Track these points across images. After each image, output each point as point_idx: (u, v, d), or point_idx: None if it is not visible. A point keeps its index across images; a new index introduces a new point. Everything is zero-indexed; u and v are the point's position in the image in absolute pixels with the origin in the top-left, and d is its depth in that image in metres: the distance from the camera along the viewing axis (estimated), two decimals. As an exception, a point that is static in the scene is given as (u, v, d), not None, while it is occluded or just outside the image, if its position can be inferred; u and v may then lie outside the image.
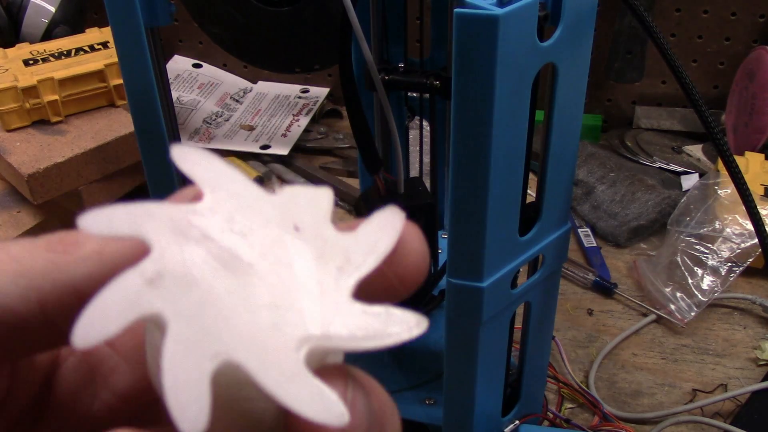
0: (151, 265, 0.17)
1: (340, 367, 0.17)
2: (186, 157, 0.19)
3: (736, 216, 0.72)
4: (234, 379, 0.16)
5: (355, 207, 0.54)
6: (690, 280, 0.69)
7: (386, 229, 0.19)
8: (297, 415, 0.15)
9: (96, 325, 0.15)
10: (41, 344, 0.18)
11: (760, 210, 0.45)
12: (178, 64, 1.07)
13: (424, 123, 0.71)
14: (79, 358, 0.20)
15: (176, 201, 0.20)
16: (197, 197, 0.19)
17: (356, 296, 0.18)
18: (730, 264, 0.69)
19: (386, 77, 0.51)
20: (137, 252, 0.17)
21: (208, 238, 0.17)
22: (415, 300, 0.60)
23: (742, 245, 0.70)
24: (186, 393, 0.15)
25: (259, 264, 0.17)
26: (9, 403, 0.19)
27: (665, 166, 0.88)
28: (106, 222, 0.17)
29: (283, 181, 0.90)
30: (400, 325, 0.17)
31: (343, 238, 0.18)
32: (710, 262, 0.70)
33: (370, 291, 0.19)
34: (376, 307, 0.17)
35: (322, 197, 0.19)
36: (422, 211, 0.53)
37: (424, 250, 0.20)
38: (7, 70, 0.79)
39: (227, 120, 0.99)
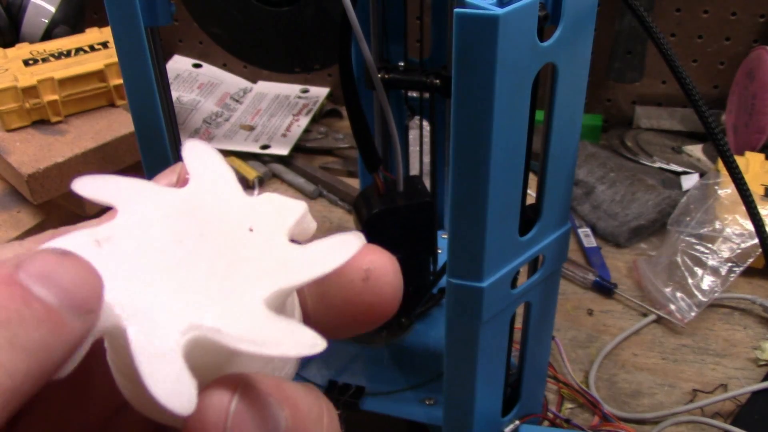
0: (107, 230, 0.18)
1: (235, 377, 0.17)
2: (192, 149, 0.21)
3: (736, 216, 0.72)
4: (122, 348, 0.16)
5: (354, 205, 0.54)
6: (690, 280, 0.69)
7: (338, 250, 0.19)
8: (147, 393, 0.15)
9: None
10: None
11: (760, 210, 0.45)
12: (178, 64, 1.07)
13: (424, 123, 0.71)
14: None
15: (163, 177, 0.22)
16: (184, 182, 0.21)
17: (309, 313, 0.20)
18: (730, 264, 0.69)
19: (386, 76, 0.51)
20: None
21: (170, 217, 0.19)
22: (415, 299, 0.60)
23: (743, 245, 0.70)
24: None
25: (199, 248, 0.18)
26: None
27: (665, 166, 0.88)
28: (93, 188, 0.19)
29: (283, 181, 0.90)
30: (294, 341, 0.17)
31: (291, 250, 0.19)
32: (710, 262, 0.70)
33: (340, 318, 0.20)
34: (282, 319, 0.17)
35: (293, 209, 0.20)
36: (421, 210, 0.53)
37: (396, 281, 0.20)
38: (7, 70, 0.79)
39: (227, 120, 0.99)
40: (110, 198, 0.19)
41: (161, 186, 0.20)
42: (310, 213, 0.20)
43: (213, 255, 0.18)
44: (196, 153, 0.21)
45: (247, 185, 0.21)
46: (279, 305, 0.18)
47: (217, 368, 0.17)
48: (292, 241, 0.20)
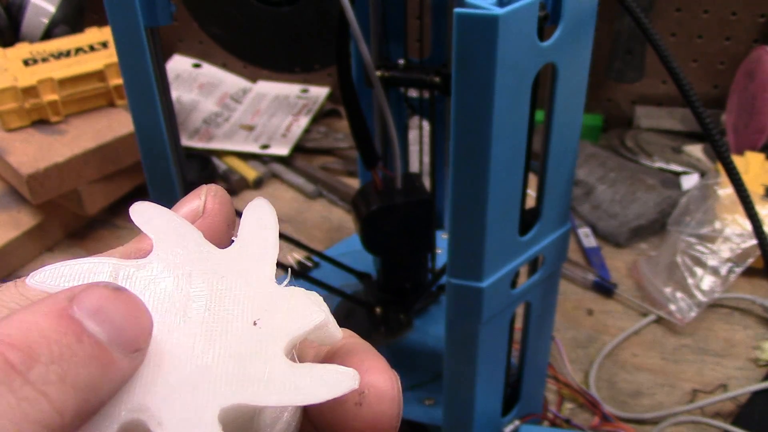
0: (131, 268, 0.18)
1: None
2: (255, 210, 0.21)
3: (736, 216, 0.72)
4: None
5: (353, 202, 0.55)
6: (690, 280, 0.69)
7: (327, 384, 0.17)
8: None
9: (53, 278, 0.18)
10: None
11: (760, 210, 0.45)
12: (178, 64, 1.07)
13: (424, 122, 0.71)
14: None
15: (187, 203, 0.21)
16: (209, 216, 0.21)
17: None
18: (730, 264, 0.69)
19: (386, 74, 0.51)
20: None
21: (191, 279, 0.19)
22: (413, 297, 0.60)
23: (742, 245, 0.70)
24: None
25: (197, 325, 0.18)
26: None
27: (665, 166, 0.88)
28: (144, 219, 0.20)
29: (283, 181, 0.90)
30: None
31: (279, 363, 0.18)
32: (710, 262, 0.70)
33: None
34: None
35: (309, 318, 0.19)
36: (419, 207, 0.53)
37: (394, 408, 0.18)
38: (6, 70, 0.79)
39: (227, 120, 0.99)
40: (153, 232, 0.19)
41: (203, 240, 0.20)
42: (333, 319, 0.19)
43: (207, 338, 0.18)
44: (255, 217, 0.21)
45: (279, 265, 0.21)
46: (237, 418, 0.17)
47: None
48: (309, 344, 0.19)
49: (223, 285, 0.19)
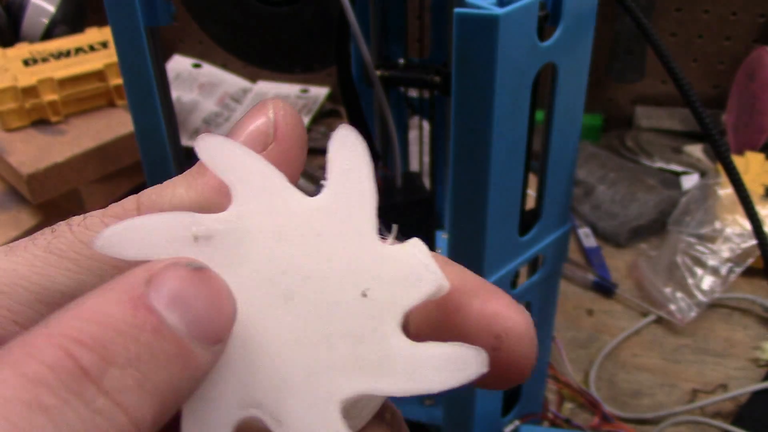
0: (209, 224, 0.15)
1: None
2: (343, 141, 0.17)
3: (736, 216, 0.72)
4: None
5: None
6: (690, 280, 0.69)
7: (452, 367, 0.15)
8: None
9: (123, 242, 0.15)
10: None
11: (760, 210, 0.45)
12: (178, 64, 1.07)
13: (424, 122, 0.71)
14: None
15: (251, 120, 0.18)
16: (280, 141, 0.17)
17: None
18: (730, 264, 0.69)
19: (386, 73, 0.51)
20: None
21: (282, 238, 0.16)
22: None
23: (743, 245, 0.70)
24: None
25: (295, 297, 0.15)
26: None
27: (665, 166, 0.88)
28: (216, 156, 0.16)
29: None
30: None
31: (397, 343, 0.15)
32: (710, 262, 0.70)
33: (480, 378, 0.16)
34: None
35: (427, 281, 0.16)
36: (419, 206, 0.53)
37: (532, 349, 0.16)
38: (6, 70, 0.79)
39: (227, 120, 0.99)
40: (231, 177, 0.16)
41: (288, 186, 0.16)
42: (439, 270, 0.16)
43: (306, 312, 0.15)
44: (345, 153, 0.17)
45: (381, 225, 0.16)
46: (354, 406, 0.15)
47: None
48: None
49: (322, 246, 0.16)
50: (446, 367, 0.15)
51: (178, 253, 0.15)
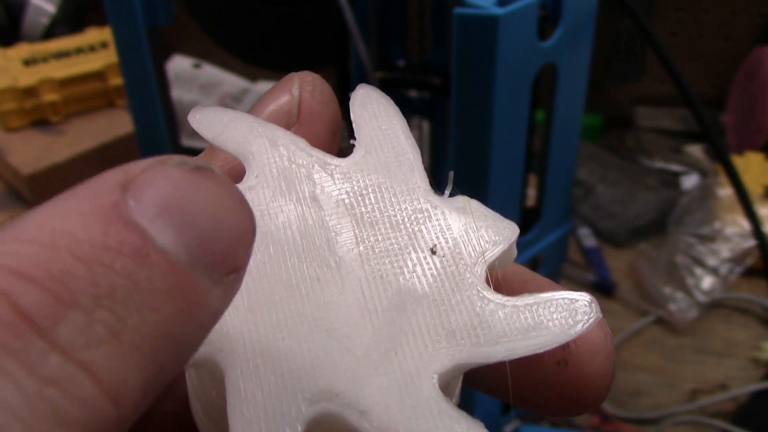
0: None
1: None
2: (365, 100, 0.15)
3: (736, 216, 0.72)
4: None
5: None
6: (690, 280, 0.69)
7: (558, 319, 0.13)
8: None
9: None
10: None
11: (759, 210, 0.45)
12: (178, 64, 1.07)
13: (424, 122, 0.71)
14: None
15: (272, 99, 0.15)
16: (306, 116, 0.15)
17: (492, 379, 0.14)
18: (730, 264, 0.69)
19: (386, 75, 0.51)
20: None
21: (319, 203, 0.13)
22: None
23: (742, 245, 0.70)
24: None
25: (353, 265, 0.13)
26: None
27: (665, 166, 0.88)
28: (219, 128, 0.13)
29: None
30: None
31: (488, 301, 0.13)
32: (710, 262, 0.70)
33: (541, 401, 0.14)
34: (454, 414, 0.12)
35: (501, 232, 0.14)
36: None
37: (607, 366, 0.14)
38: (6, 70, 0.79)
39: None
40: (239, 147, 0.13)
41: (311, 148, 0.14)
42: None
43: (371, 280, 0.13)
44: (369, 109, 0.15)
45: (433, 179, 0.14)
46: (451, 380, 0.13)
47: None
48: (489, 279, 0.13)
49: (368, 206, 0.13)
50: (554, 315, 0.12)
51: None
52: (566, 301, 0.13)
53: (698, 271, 0.69)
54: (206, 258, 0.09)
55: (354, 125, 0.14)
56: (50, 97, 0.78)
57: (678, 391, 0.62)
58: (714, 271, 0.69)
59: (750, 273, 0.70)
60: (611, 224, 0.78)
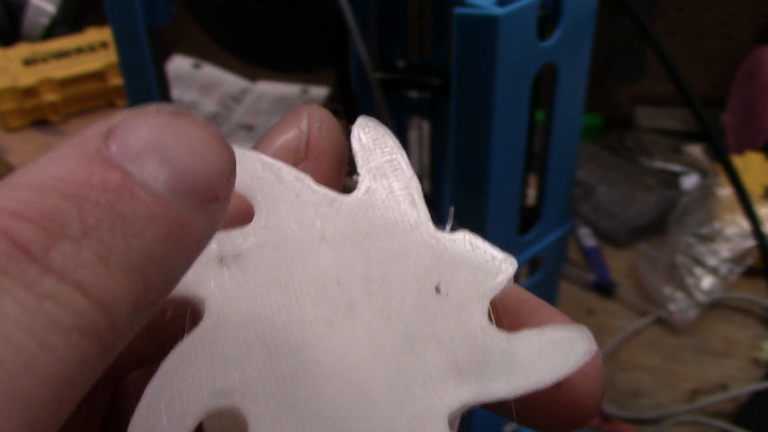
0: (236, 239, 0.13)
1: None
2: (366, 132, 0.15)
3: (736, 216, 0.72)
4: None
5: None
6: (690, 280, 0.69)
7: (557, 355, 0.13)
8: None
9: None
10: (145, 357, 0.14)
11: (759, 210, 0.45)
12: (178, 64, 1.07)
13: (424, 122, 0.71)
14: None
15: (280, 133, 0.15)
16: (313, 152, 0.15)
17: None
18: (730, 264, 0.69)
19: (386, 76, 0.51)
20: None
21: (327, 243, 0.13)
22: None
23: (742, 245, 0.70)
24: None
25: (360, 304, 0.13)
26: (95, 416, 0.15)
27: (665, 166, 0.88)
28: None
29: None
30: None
31: (492, 337, 0.13)
32: (710, 262, 0.70)
33: (537, 420, 0.15)
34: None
35: (500, 267, 0.14)
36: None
37: (598, 387, 0.14)
38: (6, 70, 0.79)
39: (227, 120, 0.99)
40: (245, 186, 0.14)
41: (316, 185, 0.14)
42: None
43: (381, 321, 0.13)
44: (371, 142, 0.15)
45: (435, 216, 0.15)
46: (455, 417, 0.13)
47: None
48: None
49: (372, 244, 0.14)
50: (553, 351, 0.13)
51: (203, 281, 0.12)
52: (567, 336, 0.13)
53: (698, 271, 0.69)
54: (186, 189, 0.10)
55: (356, 159, 0.15)
56: (50, 97, 0.78)
57: (678, 391, 0.62)
58: (714, 271, 0.69)
59: (750, 273, 0.70)
60: (611, 224, 0.78)
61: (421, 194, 0.15)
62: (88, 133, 0.10)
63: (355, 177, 0.15)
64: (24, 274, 0.09)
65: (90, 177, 0.10)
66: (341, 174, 0.16)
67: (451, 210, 0.15)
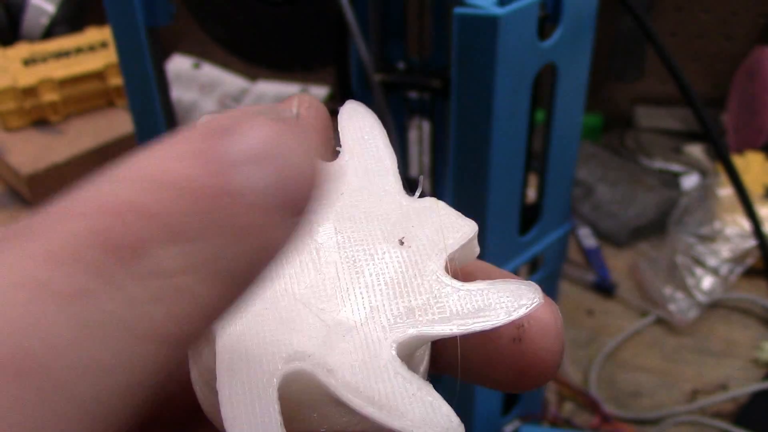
0: None
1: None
2: (351, 115, 0.17)
3: (736, 216, 0.72)
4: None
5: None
6: (690, 280, 0.69)
7: (506, 302, 0.14)
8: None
9: None
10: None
11: (759, 210, 0.45)
12: (178, 64, 1.07)
13: (424, 123, 0.71)
14: None
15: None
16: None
17: (441, 356, 0.16)
18: (730, 264, 0.69)
19: (386, 77, 0.51)
20: None
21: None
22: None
23: (742, 245, 0.70)
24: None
25: (330, 251, 0.15)
26: None
27: (665, 166, 0.88)
28: None
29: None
30: (423, 417, 0.14)
31: (446, 285, 0.14)
32: (710, 262, 0.70)
33: (479, 375, 0.15)
34: (414, 381, 0.14)
35: (460, 228, 0.15)
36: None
37: (557, 344, 0.15)
38: (6, 70, 0.79)
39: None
40: None
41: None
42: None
43: (345, 264, 0.15)
44: (354, 121, 0.17)
45: (407, 184, 0.16)
46: (411, 352, 0.15)
47: (309, 407, 0.14)
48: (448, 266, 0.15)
49: (347, 202, 0.15)
50: (502, 299, 0.14)
51: None
52: (514, 287, 0.14)
53: (698, 271, 0.69)
54: (284, 200, 0.10)
55: (340, 134, 0.17)
56: (50, 97, 0.78)
57: (678, 392, 0.62)
58: (714, 271, 0.69)
59: (750, 273, 0.70)
60: (611, 224, 0.78)
61: (395, 167, 0.16)
62: (200, 130, 0.10)
63: (337, 148, 0.17)
64: (112, 278, 0.09)
65: (202, 177, 0.09)
66: (328, 149, 0.17)
67: (420, 178, 0.17)
